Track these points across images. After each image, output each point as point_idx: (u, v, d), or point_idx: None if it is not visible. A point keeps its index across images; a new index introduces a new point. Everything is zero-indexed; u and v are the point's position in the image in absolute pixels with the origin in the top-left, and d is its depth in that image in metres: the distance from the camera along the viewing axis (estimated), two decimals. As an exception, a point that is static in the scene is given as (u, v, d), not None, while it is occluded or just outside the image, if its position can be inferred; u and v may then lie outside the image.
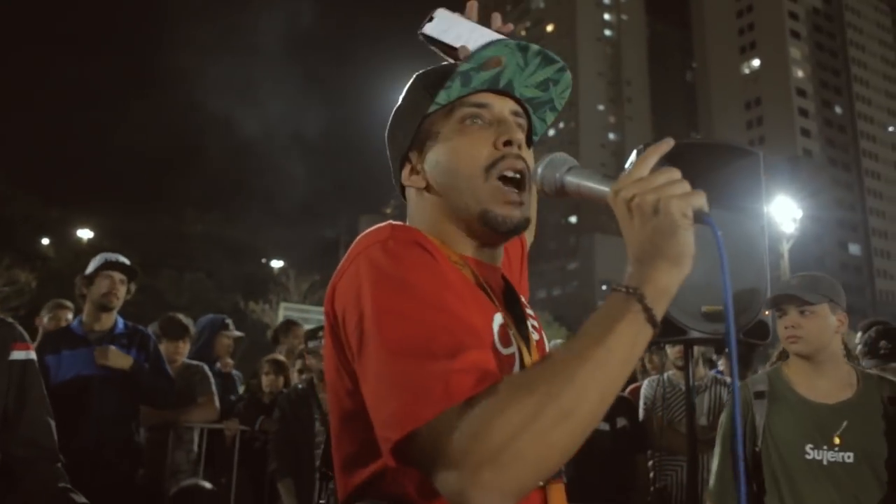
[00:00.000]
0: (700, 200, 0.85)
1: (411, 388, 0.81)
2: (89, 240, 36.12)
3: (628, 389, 4.23)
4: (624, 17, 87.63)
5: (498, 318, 1.00)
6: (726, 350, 3.48)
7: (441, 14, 1.32)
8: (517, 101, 1.10)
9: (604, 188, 0.92)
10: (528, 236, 1.49)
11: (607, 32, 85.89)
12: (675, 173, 0.87)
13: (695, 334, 2.46)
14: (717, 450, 2.43)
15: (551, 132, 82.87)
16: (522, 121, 1.10)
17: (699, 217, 0.85)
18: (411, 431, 0.80)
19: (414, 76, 1.12)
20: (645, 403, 3.76)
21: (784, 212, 23.48)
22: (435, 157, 1.06)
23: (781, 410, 2.29)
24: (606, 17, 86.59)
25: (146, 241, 39.80)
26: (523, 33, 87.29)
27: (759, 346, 2.60)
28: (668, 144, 0.90)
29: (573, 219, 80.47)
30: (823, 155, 76.90)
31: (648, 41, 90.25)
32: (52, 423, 2.32)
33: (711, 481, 2.40)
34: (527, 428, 0.74)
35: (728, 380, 3.83)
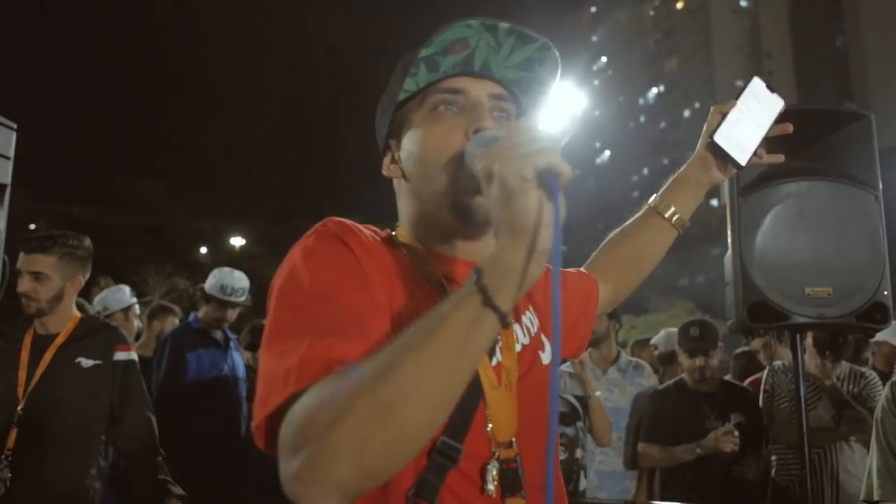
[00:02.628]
0: (544, 158, 0.72)
1: (268, 377, 0.81)
2: (241, 247, 38.69)
3: (748, 381, 3.94)
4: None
5: None
6: (841, 338, 3.17)
7: (771, 96, 1.51)
8: (501, 83, 1.03)
9: None
10: (608, 292, 1.39)
11: (743, 3, 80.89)
12: (533, 130, 0.75)
13: (799, 319, 2.25)
14: (874, 447, 2.27)
15: (686, 113, 79.35)
16: (506, 104, 1.02)
17: (543, 178, 0.72)
18: (263, 419, 0.79)
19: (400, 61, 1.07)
20: (765, 393, 3.50)
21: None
22: (408, 147, 1.02)
23: None
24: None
25: (290, 245, 41.99)
26: (651, 13, 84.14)
27: (876, 331, 2.33)
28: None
29: (714, 202, 76.59)
30: None
31: (790, 8, 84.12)
32: (153, 419, 2.49)
33: (876, 479, 2.21)
34: (340, 421, 0.70)
35: (865, 371, 3.48)
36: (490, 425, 0.92)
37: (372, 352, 0.80)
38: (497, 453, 0.92)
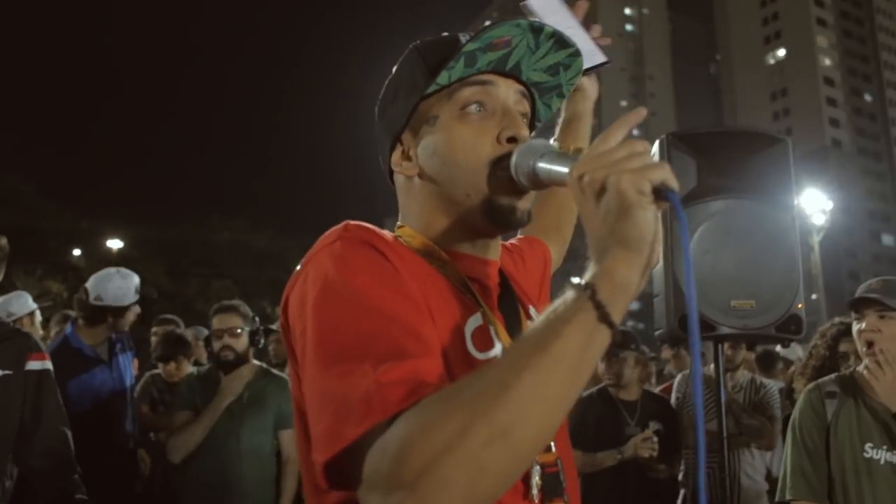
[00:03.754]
0: (661, 174, 0.72)
1: (338, 406, 0.74)
2: (119, 250, 36.68)
3: (660, 388, 4.12)
4: (645, 11, 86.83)
5: (475, 320, 0.92)
6: (757, 346, 3.38)
7: None
8: (523, 84, 1.01)
9: (565, 169, 0.82)
10: (556, 252, 1.40)
11: (629, 27, 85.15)
12: (639, 145, 0.74)
13: (725, 330, 2.37)
14: (789, 448, 2.40)
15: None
16: (526, 103, 1.02)
17: (660, 193, 0.72)
18: (337, 452, 0.73)
19: (411, 47, 1.02)
20: (676, 400, 3.68)
21: (814, 203, 23.17)
22: (432, 145, 0.97)
23: (849, 412, 2.31)
24: (628, 11, 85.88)
25: (174, 249, 40.30)
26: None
27: (792, 341, 2.50)
28: (639, 115, 0.81)
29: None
30: (853, 145, 75.44)
31: (671, 35, 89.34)
32: (69, 433, 2.30)
33: (790, 479, 2.34)
34: (452, 449, 0.65)
35: (765, 381, 3.72)
36: None
37: (444, 369, 0.77)
38: (536, 457, 0.90)
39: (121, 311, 3.50)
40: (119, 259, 34.75)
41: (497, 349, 0.92)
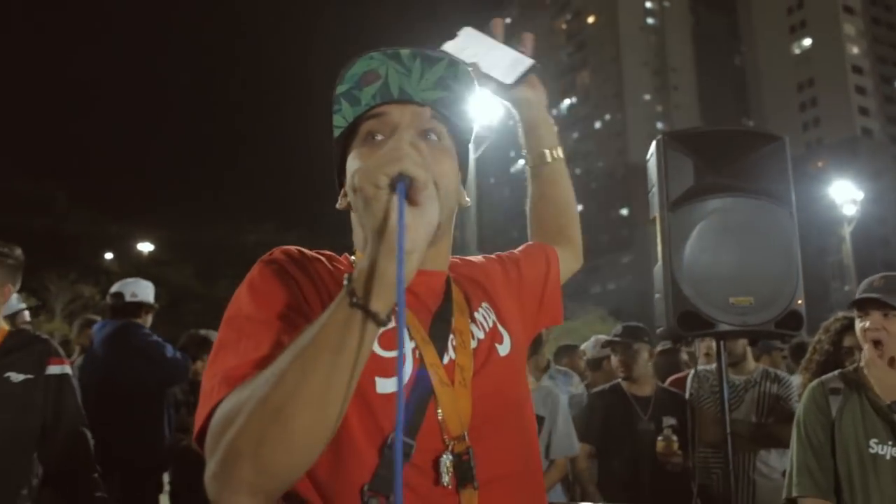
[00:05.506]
0: (395, 166, 0.77)
1: (203, 396, 0.90)
2: (150, 252, 37.26)
3: (669, 381, 4.11)
4: (666, 3, 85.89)
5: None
6: (760, 343, 3.37)
7: (465, 32, 1.41)
8: (424, 105, 1.06)
9: None
10: (568, 252, 1.46)
11: (650, 21, 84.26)
12: (393, 142, 0.81)
13: (724, 327, 2.39)
14: (795, 445, 2.41)
15: (597, 124, 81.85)
16: (435, 123, 1.06)
17: (393, 184, 0.77)
18: (197, 430, 0.88)
19: None
20: (690, 396, 3.68)
21: (844, 194, 22.75)
22: (348, 178, 1.07)
23: (853, 408, 2.31)
24: (648, 5, 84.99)
25: (203, 251, 40.90)
26: (564, 27, 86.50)
27: (792, 337, 2.52)
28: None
29: (625, 211, 79.15)
30: (884, 133, 73.84)
31: (693, 27, 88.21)
32: (88, 434, 2.41)
33: (795, 476, 2.35)
34: (239, 426, 0.79)
35: (780, 374, 3.68)
36: (441, 420, 0.98)
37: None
38: (451, 446, 0.97)
39: (151, 307, 4.06)
40: (149, 261, 35.34)
41: (406, 347, 1.00)
